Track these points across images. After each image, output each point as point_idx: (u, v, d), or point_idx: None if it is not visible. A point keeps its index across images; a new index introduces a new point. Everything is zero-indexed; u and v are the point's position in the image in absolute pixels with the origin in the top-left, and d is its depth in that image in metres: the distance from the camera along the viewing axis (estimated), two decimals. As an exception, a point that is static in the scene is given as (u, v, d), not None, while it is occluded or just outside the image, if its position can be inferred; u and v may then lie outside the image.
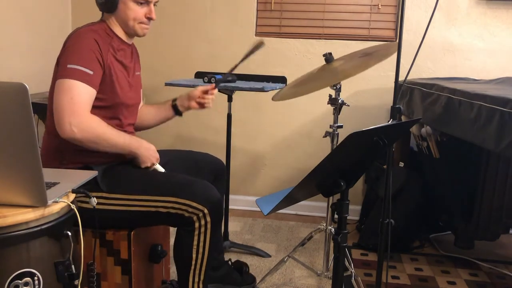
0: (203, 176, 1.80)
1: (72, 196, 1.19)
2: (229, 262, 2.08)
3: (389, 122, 1.46)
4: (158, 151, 1.70)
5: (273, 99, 1.89)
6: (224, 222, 2.43)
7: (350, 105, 2.05)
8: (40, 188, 1.06)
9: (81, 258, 1.17)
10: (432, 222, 2.68)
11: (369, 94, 2.96)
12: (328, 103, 1.97)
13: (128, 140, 1.61)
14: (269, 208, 1.39)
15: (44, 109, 1.64)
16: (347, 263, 1.94)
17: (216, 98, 2.56)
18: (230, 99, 2.35)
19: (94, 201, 1.22)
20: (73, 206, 1.16)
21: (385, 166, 1.58)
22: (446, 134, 2.24)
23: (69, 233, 1.14)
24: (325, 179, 1.24)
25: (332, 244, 1.43)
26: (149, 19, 1.65)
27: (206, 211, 1.53)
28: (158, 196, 1.53)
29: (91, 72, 1.49)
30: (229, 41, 3.03)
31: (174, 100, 1.90)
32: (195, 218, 1.53)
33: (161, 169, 1.69)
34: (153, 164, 1.67)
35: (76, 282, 1.15)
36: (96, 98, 1.55)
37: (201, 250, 1.57)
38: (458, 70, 2.85)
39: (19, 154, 1.02)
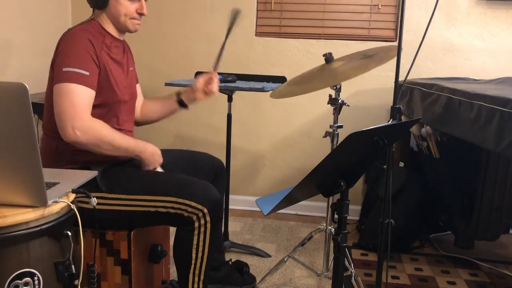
0: (202, 176, 1.80)
1: (72, 196, 1.19)
2: (230, 262, 2.08)
3: (389, 122, 1.46)
4: None
5: (271, 96, 1.89)
6: (224, 222, 2.43)
7: (350, 105, 2.05)
8: (40, 188, 1.06)
9: (81, 258, 1.17)
10: (432, 222, 2.68)
11: (369, 94, 2.96)
12: (328, 103, 1.97)
13: (133, 143, 1.60)
14: (269, 208, 1.39)
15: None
16: (347, 263, 1.94)
17: (216, 98, 2.55)
18: (230, 99, 2.35)
19: (94, 201, 1.22)
20: (73, 206, 1.16)
21: (385, 166, 1.58)
22: (446, 134, 2.24)
23: (69, 233, 1.14)
24: (325, 179, 1.24)
25: (332, 244, 1.43)
26: (141, 14, 1.64)
27: (205, 210, 1.53)
28: (157, 196, 1.53)
29: (87, 73, 1.48)
30: (229, 41, 3.02)
31: (178, 93, 1.88)
32: (194, 218, 1.53)
33: (161, 170, 1.69)
34: (155, 168, 1.67)
35: (76, 282, 1.15)
36: (94, 97, 1.54)
37: (200, 249, 1.57)
38: (458, 70, 2.85)
39: (19, 154, 1.02)
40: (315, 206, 3.05)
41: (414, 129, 2.46)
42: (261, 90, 2.17)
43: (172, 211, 1.53)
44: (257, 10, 3.01)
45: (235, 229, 2.79)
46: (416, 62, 1.51)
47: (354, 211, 2.84)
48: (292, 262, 2.25)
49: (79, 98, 1.46)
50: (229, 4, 2.99)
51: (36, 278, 1.07)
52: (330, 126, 1.98)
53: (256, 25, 3.02)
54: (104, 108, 1.60)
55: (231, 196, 2.84)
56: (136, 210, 1.54)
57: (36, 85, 2.27)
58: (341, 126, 1.97)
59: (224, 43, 1.82)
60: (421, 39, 1.46)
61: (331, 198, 1.98)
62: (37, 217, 1.07)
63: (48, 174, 1.25)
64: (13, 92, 0.97)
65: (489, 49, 2.81)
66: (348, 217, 1.33)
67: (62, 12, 3.07)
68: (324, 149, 2.89)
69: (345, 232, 1.31)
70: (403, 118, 2.37)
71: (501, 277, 2.25)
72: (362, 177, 2.91)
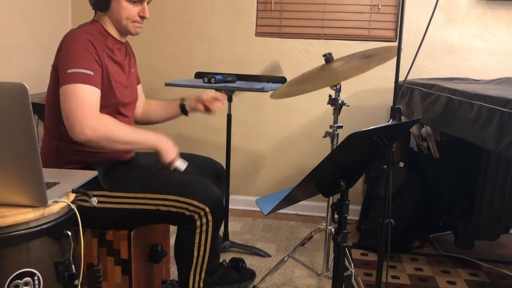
0: (203, 178, 1.80)
1: (72, 196, 1.19)
2: (224, 263, 2.07)
3: (389, 122, 1.47)
4: None
5: (271, 96, 1.90)
6: (224, 222, 2.43)
7: (350, 105, 2.05)
8: (40, 188, 1.06)
9: (81, 258, 1.17)
10: (432, 222, 2.68)
11: (369, 94, 2.96)
12: (328, 103, 1.97)
13: (145, 135, 1.58)
14: (269, 208, 1.39)
15: (44, 109, 1.64)
16: (347, 263, 1.94)
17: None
18: (230, 99, 2.35)
19: (94, 201, 1.22)
20: (73, 206, 1.16)
21: (385, 166, 1.58)
22: (446, 134, 2.24)
23: (69, 233, 1.14)
24: (325, 179, 1.24)
25: (332, 244, 1.43)
26: (142, 17, 1.64)
27: (207, 209, 1.53)
28: (158, 195, 1.53)
29: (91, 73, 1.49)
30: (229, 41, 3.04)
31: (182, 99, 1.91)
32: (196, 216, 1.53)
33: (183, 165, 1.63)
34: (175, 158, 1.61)
35: (76, 282, 1.15)
36: None
37: (202, 249, 1.57)
38: (458, 70, 2.85)
39: (19, 154, 1.02)
40: (315, 206, 3.05)
41: (414, 129, 2.46)
42: (261, 90, 2.17)
43: (173, 209, 1.53)
44: (257, 10, 3.01)
45: (235, 229, 2.79)
46: (416, 62, 1.51)
47: (354, 211, 2.84)
48: (292, 262, 2.25)
49: (86, 97, 1.46)
50: (229, 4, 3.00)
51: (36, 278, 1.07)
52: (330, 126, 1.98)
53: (256, 25, 3.02)
54: (105, 110, 1.60)
55: (231, 196, 2.84)
56: (137, 209, 1.54)
57: (36, 85, 2.27)
58: (341, 126, 1.97)
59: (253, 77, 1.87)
60: (421, 39, 1.46)
61: (331, 198, 1.98)
62: (37, 217, 1.07)
63: (48, 174, 1.25)
64: (13, 92, 0.97)
65: (489, 49, 2.81)
66: (348, 217, 1.33)
67: (62, 12, 3.07)
68: (324, 149, 2.89)
69: (345, 232, 1.31)
70: (403, 118, 2.38)
71: (501, 277, 2.25)
72: (362, 177, 2.91)
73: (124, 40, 1.71)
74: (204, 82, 2.24)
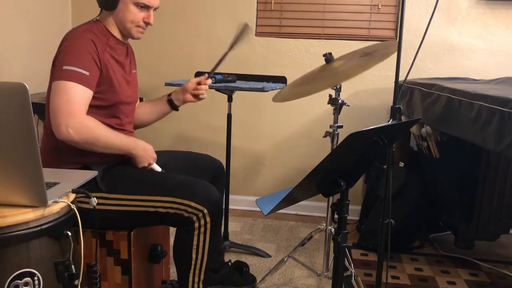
0: (201, 176, 1.80)
1: (72, 196, 1.19)
2: (229, 263, 2.08)
3: (389, 122, 1.46)
4: (157, 151, 1.70)
5: (273, 100, 1.89)
6: (224, 222, 2.43)
7: (350, 105, 2.05)
8: (40, 188, 1.06)
9: (81, 258, 1.17)
10: (432, 222, 2.68)
11: (369, 94, 2.96)
12: (328, 103, 1.97)
13: (125, 141, 1.61)
14: (269, 208, 1.39)
15: (44, 109, 1.64)
16: (347, 263, 1.94)
17: (216, 98, 2.56)
18: (230, 99, 2.35)
19: (94, 201, 1.22)
20: (73, 206, 1.16)
21: (385, 166, 1.58)
22: (446, 134, 2.24)
23: (69, 233, 1.14)
24: (325, 179, 1.24)
25: (332, 244, 1.43)
26: (147, 23, 1.65)
27: (205, 211, 1.53)
28: (157, 196, 1.53)
29: (87, 73, 1.49)
30: (229, 41, 3.02)
31: (169, 95, 1.90)
32: (194, 218, 1.53)
33: (158, 168, 1.69)
34: (150, 164, 1.67)
35: (76, 282, 1.15)
36: (96, 98, 1.55)
37: (201, 250, 1.57)
38: (458, 70, 2.85)
39: (19, 154, 1.02)
40: (315, 206, 3.05)
41: (414, 129, 2.46)
42: (261, 90, 2.17)
43: (171, 211, 1.53)
44: (257, 10, 3.01)
45: (235, 229, 2.79)
46: (416, 62, 1.51)
47: (354, 211, 2.84)
48: (292, 262, 2.25)
49: (75, 96, 1.46)
50: (229, 4, 3.00)
51: (36, 278, 1.07)
52: (330, 126, 1.98)
53: (256, 25, 3.02)
54: (106, 109, 1.60)
55: (231, 196, 2.84)
56: (135, 210, 1.54)
57: (36, 85, 2.27)
58: (341, 126, 1.97)
59: (225, 54, 1.84)
60: (421, 39, 1.46)
61: (331, 198, 1.98)
62: (37, 217, 1.07)
63: (48, 174, 1.25)
64: (13, 92, 0.97)
65: (489, 49, 2.81)
66: (348, 217, 1.33)
67: (62, 12, 3.07)
68: (324, 149, 2.88)
69: (345, 232, 1.31)
70: (403, 118, 2.37)
71: (501, 277, 2.25)
72: (362, 177, 2.91)
73: (125, 41, 1.72)
74: (204, 82, 2.23)
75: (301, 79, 1.97)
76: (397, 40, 1.58)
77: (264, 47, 3.01)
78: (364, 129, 1.14)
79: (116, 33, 1.65)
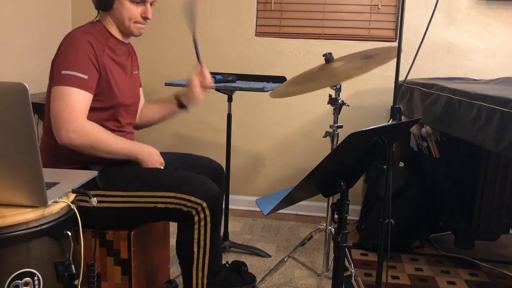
0: None
1: (72, 196, 1.19)
2: (227, 265, 2.07)
3: (389, 122, 1.46)
4: None
5: (270, 95, 1.90)
6: (224, 222, 2.43)
7: (350, 105, 2.05)
8: (40, 188, 1.06)
9: (81, 258, 1.17)
10: (432, 222, 2.68)
11: (369, 94, 2.96)
12: (328, 103, 1.97)
13: (128, 145, 1.60)
14: (269, 208, 1.39)
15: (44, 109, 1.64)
16: (347, 263, 1.94)
17: (216, 98, 2.56)
18: (230, 99, 2.35)
19: (94, 201, 1.22)
20: (73, 206, 1.16)
21: (385, 166, 1.58)
22: (446, 134, 2.23)
23: (69, 233, 1.14)
24: (325, 179, 1.24)
25: (332, 244, 1.43)
26: (145, 18, 1.64)
27: (204, 204, 1.53)
28: (155, 192, 1.53)
29: (85, 77, 1.48)
30: (229, 41, 3.04)
31: (176, 95, 1.87)
32: (194, 212, 1.53)
33: None
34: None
35: (76, 282, 1.15)
36: (94, 100, 1.54)
37: (202, 244, 1.57)
38: (458, 70, 2.85)
39: (19, 154, 1.02)
40: (315, 206, 3.05)
41: (414, 129, 2.46)
42: (261, 90, 2.17)
43: (170, 206, 1.53)
44: (257, 10, 3.01)
45: (235, 229, 2.79)
46: (416, 62, 1.51)
47: (354, 211, 2.84)
48: (292, 262, 2.25)
49: (75, 101, 1.46)
50: (229, 4, 3.00)
51: (36, 278, 1.07)
52: (330, 126, 1.98)
53: (256, 25, 3.02)
54: (106, 111, 1.60)
55: (231, 196, 2.84)
56: (134, 207, 1.54)
57: (36, 85, 2.27)
58: (341, 126, 1.97)
59: (194, 38, 1.81)
60: (421, 39, 1.46)
61: (331, 198, 1.98)
62: (37, 217, 1.07)
63: (48, 174, 1.25)
64: (13, 92, 0.97)
65: (489, 49, 2.81)
66: (348, 217, 1.33)
67: (62, 12, 3.07)
68: (324, 149, 2.88)
69: (345, 232, 1.31)
70: (403, 118, 2.37)
71: (501, 277, 2.25)
72: (362, 177, 2.91)
73: (127, 41, 1.71)
74: (204, 82, 2.23)
75: (299, 77, 1.96)
76: (397, 40, 1.58)
77: (264, 47, 3.01)
78: (364, 129, 1.14)
79: (116, 33, 1.65)
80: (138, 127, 1.92)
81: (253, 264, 2.30)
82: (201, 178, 1.59)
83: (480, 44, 2.82)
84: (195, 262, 1.59)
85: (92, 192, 1.30)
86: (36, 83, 2.31)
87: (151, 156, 1.64)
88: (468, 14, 2.80)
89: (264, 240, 2.64)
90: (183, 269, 1.63)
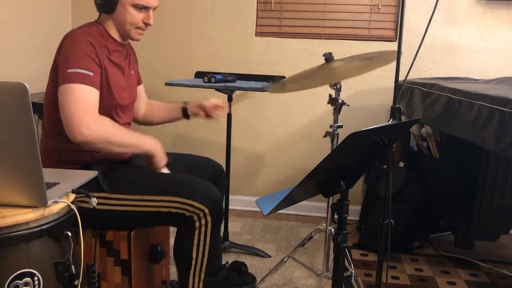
0: (202, 179, 1.80)
1: (72, 196, 1.19)
2: (226, 265, 2.07)
3: (389, 122, 1.46)
4: None
5: (268, 91, 1.90)
6: (224, 222, 2.43)
7: (350, 105, 2.05)
8: (40, 188, 1.06)
9: (81, 258, 1.17)
10: (432, 222, 2.68)
11: (369, 94, 2.96)
12: (328, 103, 1.97)
13: (142, 139, 1.59)
14: (269, 208, 1.39)
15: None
16: (347, 264, 1.94)
17: (216, 98, 2.55)
18: (230, 99, 2.35)
19: (94, 201, 1.22)
20: (73, 206, 1.16)
21: (385, 166, 1.58)
22: (446, 134, 2.24)
23: (69, 233, 1.14)
24: (325, 179, 1.24)
25: (332, 245, 1.43)
26: (146, 24, 1.65)
27: (206, 210, 1.53)
28: (159, 196, 1.53)
29: (91, 74, 1.49)
30: (229, 41, 3.04)
31: (185, 103, 1.93)
32: (195, 217, 1.53)
33: (166, 171, 1.69)
34: (164, 167, 1.65)
35: (76, 282, 1.15)
36: None
37: (201, 249, 1.57)
38: (458, 70, 2.85)
39: (19, 154, 1.02)
40: (315, 206, 3.05)
41: (414, 129, 2.46)
42: (261, 90, 2.17)
43: (173, 210, 1.53)
44: (257, 10, 3.01)
45: (235, 229, 2.79)
46: (416, 62, 1.51)
47: (354, 211, 2.84)
48: (292, 262, 2.25)
49: (85, 98, 1.46)
50: (229, 4, 3.00)
51: (36, 278, 1.07)
52: (330, 126, 1.98)
53: (256, 25, 3.02)
54: (102, 111, 1.60)
55: (231, 196, 2.84)
56: (137, 210, 1.54)
57: (36, 85, 2.27)
58: (341, 126, 1.97)
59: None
60: (421, 39, 1.46)
61: (331, 198, 1.98)
62: (37, 217, 1.07)
63: (48, 174, 1.25)
64: (13, 92, 0.97)
65: (489, 49, 2.81)
66: (348, 217, 1.33)
67: (62, 12, 3.07)
68: (324, 149, 2.88)
69: (345, 232, 1.31)
70: (403, 118, 2.37)
71: (501, 277, 2.25)
72: (362, 177, 2.91)
73: (125, 43, 1.71)
74: (204, 82, 2.24)
75: (298, 75, 1.96)
76: (397, 40, 1.58)
77: (264, 47, 3.01)
78: (364, 129, 1.14)
79: (115, 35, 1.65)
80: (140, 123, 1.94)
81: (253, 264, 2.30)
82: (203, 183, 1.59)
83: (480, 44, 2.82)
84: (192, 267, 1.59)
85: (96, 194, 1.31)
86: (36, 83, 2.31)
87: (162, 149, 1.63)
88: (468, 14, 2.80)
89: (264, 240, 2.64)
90: (180, 273, 1.63)
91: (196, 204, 1.52)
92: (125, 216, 1.55)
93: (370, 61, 1.78)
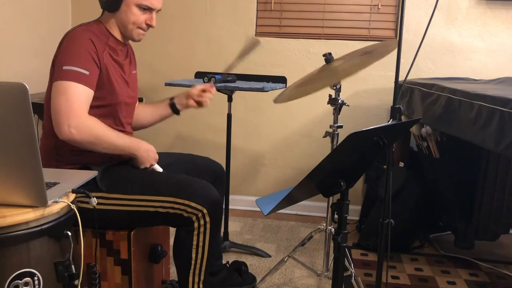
0: (202, 179, 1.80)
1: (72, 196, 1.19)
2: (227, 264, 2.08)
3: (389, 122, 1.46)
4: (158, 153, 1.70)
5: (274, 102, 1.89)
6: (224, 222, 2.43)
7: (350, 105, 2.05)
8: (40, 188, 1.06)
9: (81, 258, 1.17)
10: (432, 222, 2.68)
11: (369, 94, 2.96)
12: (328, 103, 1.97)
13: (128, 141, 1.60)
14: (269, 208, 1.39)
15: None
16: (347, 263, 1.93)
17: (216, 98, 2.55)
18: (230, 99, 2.35)
19: (94, 201, 1.22)
20: (73, 206, 1.16)
21: (385, 166, 1.58)
22: (446, 134, 2.24)
23: (69, 233, 1.14)
24: (325, 179, 1.24)
25: (332, 244, 1.43)
26: (148, 26, 1.65)
27: (205, 211, 1.53)
28: (157, 196, 1.53)
29: (87, 73, 1.48)
30: (229, 41, 3.04)
31: (172, 98, 1.89)
32: (194, 218, 1.53)
33: (159, 169, 1.69)
34: (152, 165, 1.67)
35: (76, 282, 1.15)
36: (95, 98, 1.54)
37: (200, 250, 1.57)
38: (458, 70, 2.85)
39: (19, 154, 1.02)
40: (315, 206, 3.05)
41: (414, 129, 2.46)
42: (261, 90, 2.17)
43: (171, 211, 1.53)
44: (257, 10, 3.01)
45: (235, 229, 2.79)
46: (416, 62, 1.51)
47: (354, 211, 2.84)
48: (292, 262, 2.25)
49: (76, 96, 1.46)
50: (229, 4, 3.00)
51: (36, 278, 1.07)
52: (330, 126, 1.98)
53: (256, 25, 3.02)
54: (105, 109, 1.60)
55: (231, 196, 2.84)
56: (135, 210, 1.54)
57: (36, 85, 2.27)
58: (341, 126, 1.97)
59: (232, 65, 1.85)
60: (421, 39, 1.46)
61: (331, 198, 1.98)
62: (37, 217, 1.07)
63: (48, 174, 1.25)
64: (13, 92, 0.97)
65: (489, 49, 2.81)
66: (348, 217, 1.33)
67: (62, 12, 3.07)
68: (324, 149, 2.89)
69: (345, 232, 1.31)
70: (403, 118, 2.37)
71: (501, 277, 2.25)
72: (362, 177, 2.91)
73: (126, 42, 1.71)
74: (204, 82, 2.23)
75: (300, 81, 1.97)
76: (397, 40, 1.58)
77: (264, 47, 3.01)
78: (364, 129, 1.14)
79: (117, 34, 1.65)
80: (132, 128, 1.92)
81: (253, 264, 2.30)
82: (202, 183, 1.59)
83: (480, 44, 2.82)
84: (192, 267, 1.59)
85: (94, 194, 1.30)
86: (36, 83, 2.31)
87: (147, 152, 1.64)
88: (468, 14, 2.80)
89: (264, 240, 2.64)
90: (179, 273, 1.63)
91: (194, 204, 1.52)
92: (123, 216, 1.55)
93: (370, 55, 1.78)
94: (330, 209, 2.04)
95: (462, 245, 2.39)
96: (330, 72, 1.87)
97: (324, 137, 2.00)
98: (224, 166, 2.04)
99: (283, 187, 3.01)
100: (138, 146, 1.62)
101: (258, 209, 1.83)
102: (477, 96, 1.75)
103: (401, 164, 2.67)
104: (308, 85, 1.86)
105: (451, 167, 2.37)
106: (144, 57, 3.02)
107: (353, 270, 1.97)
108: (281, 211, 2.99)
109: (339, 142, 1.97)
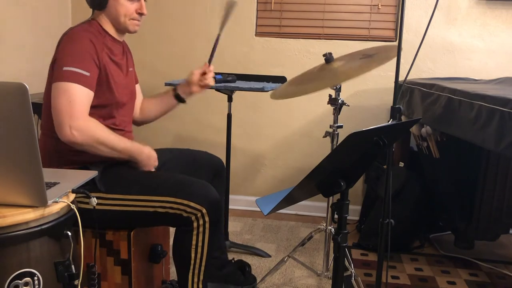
0: (202, 175, 1.79)
1: (72, 196, 1.19)
2: (233, 261, 2.08)
3: (389, 122, 1.46)
4: (156, 149, 1.70)
5: (271, 97, 1.89)
6: (224, 222, 2.43)
7: (350, 105, 2.05)
8: (40, 188, 1.06)
9: (81, 258, 1.17)
10: (432, 222, 2.68)
11: (369, 94, 2.96)
12: (328, 103, 1.97)
13: (129, 145, 1.60)
14: (269, 208, 1.39)
15: (44, 109, 1.64)
16: (347, 263, 1.93)
17: (216, 98, 2.56)
18: (230, 99, 2.35)
19: (94, 201, 1.22)
20: (73, 206, 1.16)
21: (385, 166, 1.58)
22: (446, 134, 2.24)
23: (69, 233, 1.14)
24: (325, 179, 1.24)
25: (332, 244, 1.43)
26: (140, 14, 1.64)
27: (204, 211, 1.53)
28: (156, 196, 1.53)
29: (87, 74, 1.48)
30: (229, 41, 3.03)
31: (174, 89, 1.88)
32: (193, 218, 1.53)
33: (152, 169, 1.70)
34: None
35: (76, 282, 1.15)
36: (94, 98, 1.54)
37: (199, 250, 1.57)
38: (458, 70, 2.85)
39: (19, 154, 1.02)
40: (315, 206, 3.05)
41: (414, 129, 2.46)
42: (261, 90, 2.17)
43: (171, 211, 1.53)
44: (257, 10, 3.01)
45: (235, 229, 2.79)
46: (416, 62, 1.51)
47: (354, 211, 2.84)
48: (292, 262, 2.25)
49: (77, 97, 1.46)
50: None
51: (36, 278, 1.07)
52: (330, 126, 1.98)
53: (256, 25, 3.02)
54: (103, 109, 1.60)
55: (231, 196, 2.84)
56: (134, 210, 1.54)
57: (36, 85, 2.27)
58: (341, 126, 1.97)
59: (218, 36, 1.82)
60: (421, 39, 1.46)
61: (331, 198, 1.98)
62: (37, 217, 1.07)
63: (48, 174, 1.25)
64: (13, 92, 0.97)
65: (489, 49, 2.81)
66: (348, 217, 1.33)
67: (62, 12, 3.07)
68: (324, 149, 2.89)
69: (345, 232, 1.31)
70: (403, 118, 2.38)
71: (501, 277, 2.25)
72: (362, 177, 2.91)
73: (121, 39, 1.71)
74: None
75: (299, 78, 1.96)
76: (397, 40, 1.58)
77: (264, 47, 3.01)
78: (364, 129, 1.14)
79: (111, 31, 1.65)
80: (138, 123, 1.93)
81: (253, 264, 2.30)
82: (201, 183, 1.59)
83: (480, 44, 2.82)
84: (191, 267, 1.59)
85: (93, 194, 1.30)
86: (36, 83, 2.31)
87: (149, 159, 1.64)
88: (468, 14, 2.80)
89: (264, 240, 2.64)
90: (179, 273, 1.63)
91: (193, 204, 1.52)
92: (122, 216, 1.55)
93: (370, 59, 1.78)
94: (330, 209, 2.04)
95: (462, 245, 2.39)
96: (330, 73, 1.87)
97: (324, 137, 2.00)
98: (224, 163, 2.04)
99: (283, 187, 3.01)
100: (140, 151, 1.62)
101: (258, 209, 1.83)
102: (477, 96, 1.75)
103: (401, 164, 2.67)
104: (307, 84, 1.85)
105: (451, 167, 2.37)
106: (144, 57, 3.02)
107: (353, 270, 1.97)
108: (281, 211, 2.99)
109: (339, 142, 1.97)
